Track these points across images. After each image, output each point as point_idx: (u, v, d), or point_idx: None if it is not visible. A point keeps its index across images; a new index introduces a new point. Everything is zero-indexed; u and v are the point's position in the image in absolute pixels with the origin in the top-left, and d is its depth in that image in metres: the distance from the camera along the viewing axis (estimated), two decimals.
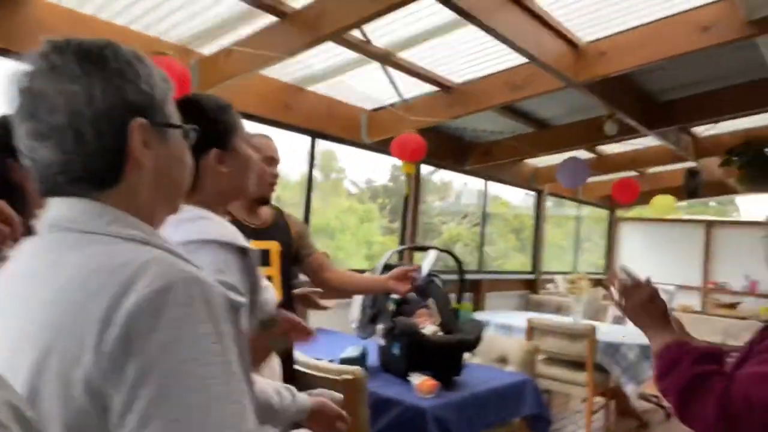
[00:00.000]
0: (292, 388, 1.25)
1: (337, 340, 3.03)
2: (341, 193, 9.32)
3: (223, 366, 0.60)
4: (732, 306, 7.03)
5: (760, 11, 2.56)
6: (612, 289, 1.31)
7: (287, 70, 3.55)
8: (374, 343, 2.72)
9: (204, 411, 0.57)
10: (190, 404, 0.57)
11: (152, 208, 0.74)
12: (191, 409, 0.57)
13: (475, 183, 6.47)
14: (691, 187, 5.52)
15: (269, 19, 2.89)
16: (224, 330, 0.63)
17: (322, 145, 4.23)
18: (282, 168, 2.06)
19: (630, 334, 4.47)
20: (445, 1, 2.43)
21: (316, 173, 4.10)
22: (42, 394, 0.59)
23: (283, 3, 2.82)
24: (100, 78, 0.67)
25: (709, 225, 7.80)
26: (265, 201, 2.04)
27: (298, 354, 2.14)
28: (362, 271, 3.15)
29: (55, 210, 0.70)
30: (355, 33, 3.11)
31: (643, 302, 1.25)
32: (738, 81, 3.87)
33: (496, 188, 6.16)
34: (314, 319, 3.21)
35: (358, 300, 2.80)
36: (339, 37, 2.92)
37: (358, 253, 8.43)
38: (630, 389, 3.97)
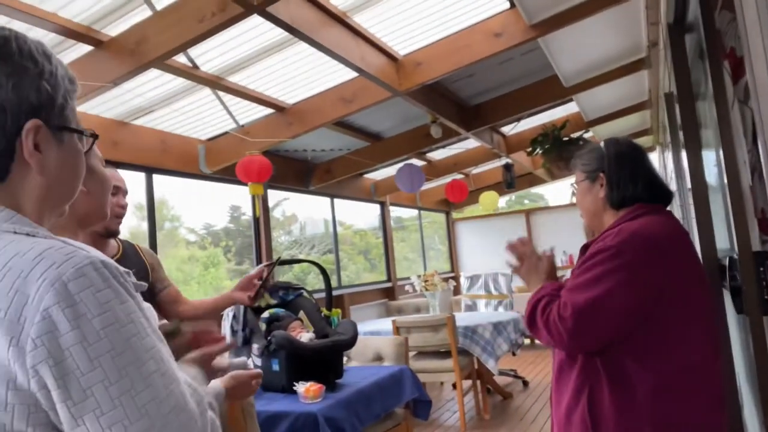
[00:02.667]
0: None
1: None
2: (179, 242, 8.86)
3: (155, 335, 0.62)
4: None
5: (538, 15, 3.08)
6: (511, 256, 1.56)
7: (109, 105, 3.34)
8: (249, 367, 2.65)
9: (160, 376, 0.59)
10: (149, 373, 0.58)
11: (38, 211, 0.69)
12: (150, 377, 0.58)
13: (319, 212, 6.62)
14: (508, 180, 6.27)
15: (83, 48, 2.71)
16: (141, 303, 0.63)
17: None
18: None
19: (483, 316, 4.91)
20: (273, 19, 2.52)
21: (146, 226, 3.88)
22: None
23: (96, 31, 2.67)
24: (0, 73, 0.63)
25: (528, 213, 8.90)
26: (112, 233, 1.91)
27: None
28: None
29: None
30: (181, 59, 3.05)
31: (534, 264, 1.50)
32: (530, 81, 4.54)
33: (339, 214, 6.37)
34: None
35: (226, 326, 2.71)
36: (163, 63, 2.84)
37: None
38: (491, 365, 4.34)
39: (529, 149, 4.77)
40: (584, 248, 1.47)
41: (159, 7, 2.53)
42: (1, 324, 0.55)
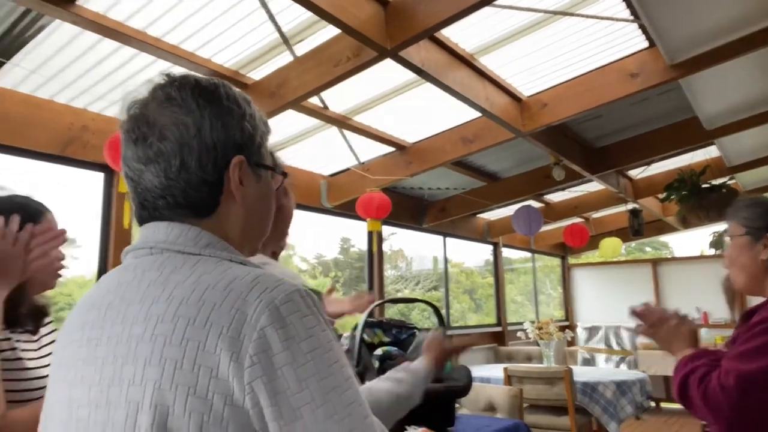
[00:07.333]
0: (400, 368, 1.27)
1: None
2: (292, 269, 9.27)
3: (348, 363, 0.65)
4: None
5: (680, 55, 2.87)
6: (638, 320, 1.46)
7: None
8: None
9: (358, 406, 0.61)
10: (349, 401, 0.61)
11: (239, 242, 0.75)
12: (351, 406, 0.60)
13: (427, 248, 6.59)
14: (635, 227, 5.84)
15: None
16: (336, 335, 0.67)
17: None
18: None
19: (604, 373, 4.54)
20: (405, 63, 2.59)
21: None
22: (174, 409, 0.59)
23: (243, 75, 2.91)
24: (211, 114, 0.71)
25: (655, 263, 8.19)
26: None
27: None
28: None
29: (152, 233, 0.71)
30: (314, 100, 3.23)
31: (673, 328, 1.40)
32: (665, 123, 4.24)
33: (448, 252, 6.31)
34: None
35: None
36: (299, 104, 3.02)
37: None
38: (612, 428, 3.97)
39: (663, 195, 4.41)
40: (747, 314, 1.33)
41: (299, 53, 2.71)
42: (223, 340, 0.59)
